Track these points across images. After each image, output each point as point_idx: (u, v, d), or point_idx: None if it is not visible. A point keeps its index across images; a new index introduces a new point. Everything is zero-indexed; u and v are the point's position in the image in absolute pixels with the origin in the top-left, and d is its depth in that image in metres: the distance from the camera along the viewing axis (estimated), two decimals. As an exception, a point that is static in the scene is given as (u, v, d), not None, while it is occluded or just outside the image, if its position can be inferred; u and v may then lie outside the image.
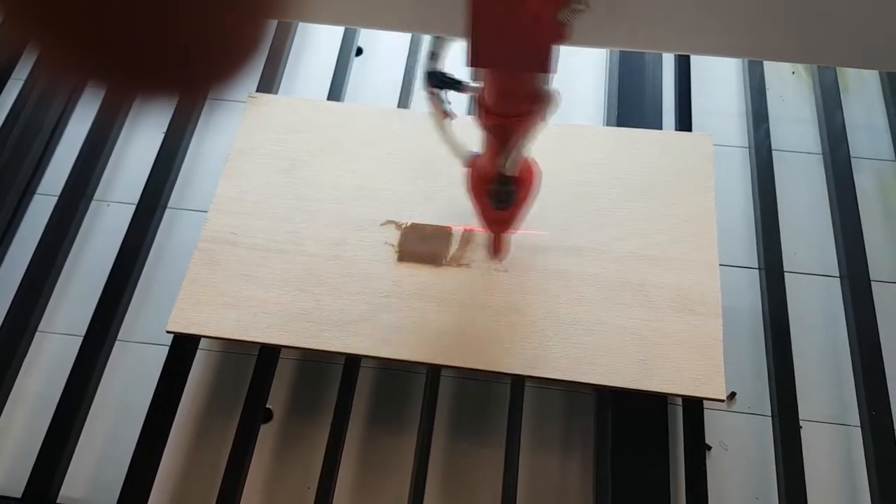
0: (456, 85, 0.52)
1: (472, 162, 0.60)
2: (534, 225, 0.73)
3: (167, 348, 0.74)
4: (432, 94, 0.54)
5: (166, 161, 0.87)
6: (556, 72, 0.45)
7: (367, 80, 0.99)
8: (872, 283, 0.78)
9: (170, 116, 0.90)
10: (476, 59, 0.43)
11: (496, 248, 0.69)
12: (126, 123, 0.94)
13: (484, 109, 0.51)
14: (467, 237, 0.73)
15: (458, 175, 0.76)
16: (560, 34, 0.41)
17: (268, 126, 0.80)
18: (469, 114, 0.84)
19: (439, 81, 0.52)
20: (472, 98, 0.52)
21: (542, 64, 0.43)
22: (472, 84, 0.52)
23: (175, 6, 0.22)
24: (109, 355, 0.77)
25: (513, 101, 0.50)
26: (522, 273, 0.71)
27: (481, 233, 0.73)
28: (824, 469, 0.73)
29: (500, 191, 0.57)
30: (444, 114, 0.55)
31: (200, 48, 0.23)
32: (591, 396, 0.77)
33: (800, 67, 0.99)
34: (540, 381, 0.73)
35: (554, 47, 0.43)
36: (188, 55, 0.23)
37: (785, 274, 0.79)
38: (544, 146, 0.78)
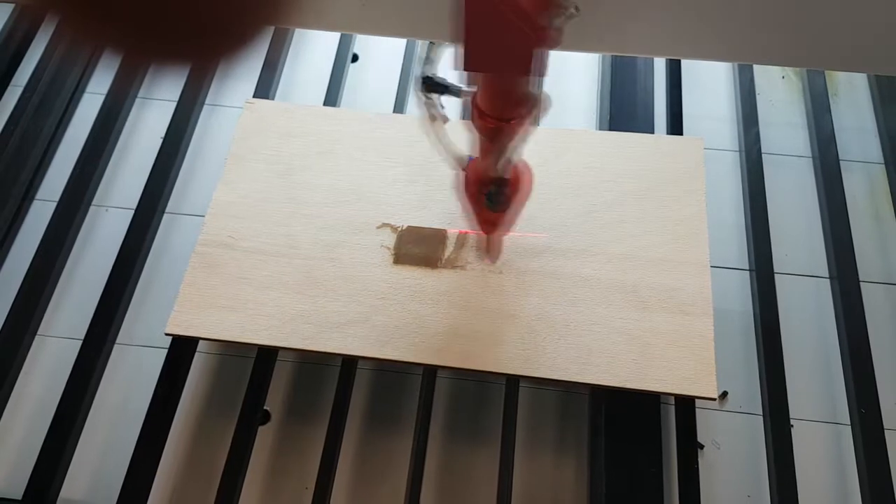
0: (449, 89, 0.53)
1: (465, 165, 0.61)
2: (528, 227, 0.74)
3: (166, 351, 0.75)
4: (426, 98, 0.54)
5: (164, 166, 0.88)
6: (546, 75, 0.46)
7: (362, 85, 1.00)
8: (861, 283, 0.79)
9: (170, 119, 0.91)
10: (468, 63, 0.44)
11: (490, 250, 0.70)
12: (124, 129, 0.95)
13: (477, 113, 0.52)
14: (462, 240, 0.74)
15: (451, 178, 0.78)
16: (550, 39, 0.43)
17: (264, 131, 0.81)
18: (462, 118, 0.86)
19: (433, 86, 0.53)
20: (465, 102, 0.53)
21: (533, 67, 0.44)
22: (466, 88, 0.53)
23: None
24: (108, 358, 0.78)
25: (505, 105, 0.51)
26: (517, 275, 0.72)
27: (478, 235, 0.74)
28: (815, 467, 0.74)
29: (495, 192, 0.58)
30: (437, 118, 0.55)
31: (214, 18, 0.24)
32: (585, 396, 0.78)
33: (790, 72, 1.01)
34: (534, 381, 0.74)
35: (544, 51, 0.44)
36: (202, 24, 0.24)
37: (775, 275, 0.80)
38: (539, 150, 0.79)
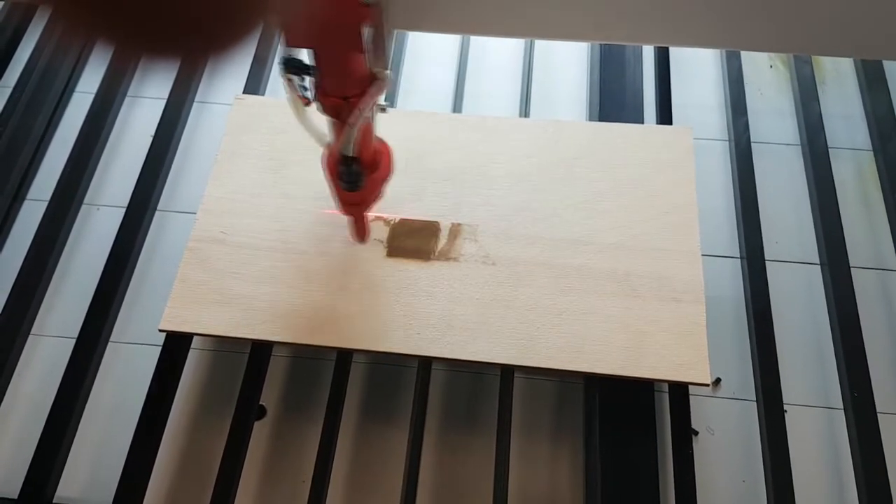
0: (309, 70, 0.53)
1: (327, 146, 0.62)
2: (522, 216, 0.75)
3: (159, 348, 0.75)
4: (289, 80, 0.55)
5: (155, 164, 0.88)
6: (367, 52, 0.47)
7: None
8: (852, 269, 0.80)
9: (160, 116, 0.91)
10: (290, 38, 0.46)
11: (355, 231, 0.71)
12: (114, 128, 0.95)
13: (320, 91, 0.53)
14: (455, 231, 0.74)
15: (444, 171, 0.78)
16: (364, 15, 0.43)
17: (255, 127, 0.81)
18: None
19: (295, 68, 0.53)
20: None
21: (352, 43, 0.45)
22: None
23: None
24: (102, 357, 0.78)
25: (342, 82, 0.52)
26: (509, 266, 0.73)
27: (471, 227, 0.74)
28: (809, 451, 0.75)
29: (347, 172, 0.59)
30: (302, 99, 0.56)
31: (206, 14, 0.24)
32: (580, 385, 0.78)
33: (777, 61, 1.01)
34: (529, 370, 0.75)
35: (360, 27, 0.45)
36: (194, 19, 0.24)
37: (766, 262, 0.81)
38: (530, 142, 0.79)
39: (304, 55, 0.52)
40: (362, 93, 0.52)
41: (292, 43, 0.47)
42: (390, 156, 0.65)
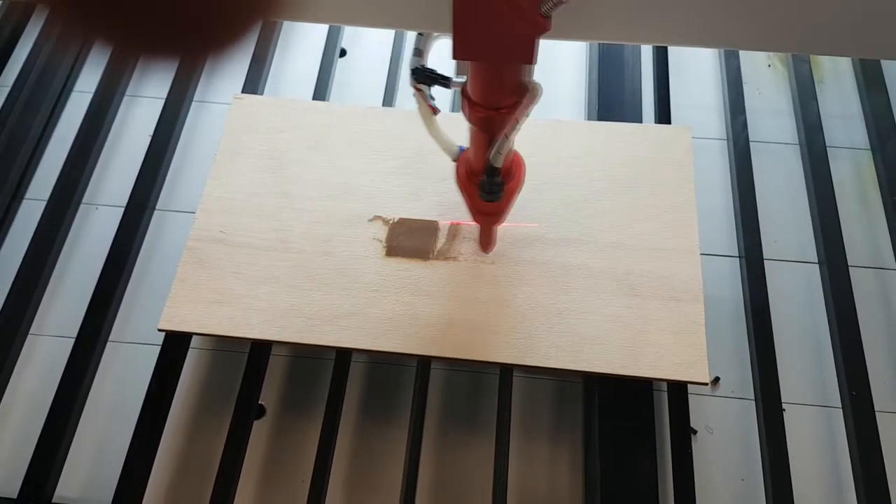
0: (441, 80, 0.53)
1: (460, 156, 0.61)
2: (520, 217, 0.75)
3: (159, 348, 0.75)
4: (418, 90, 0.54)
5: (153, 163, 0.88)
6: (535, 63, 0.46)
7: (350, 80, 1.00)
8: (850, 268, 0.80)
9: (159, 116, 0.91)
10: (460, 51, 0.44)
11: (486, 241, 0.71)
12: (113, 127, 0.95)
13: (470, 103, 0.52)
14: (454, 231, 0.74)
15: (443, 170, 0.78)
16: (542, 26, 0.43)
17: (254, 126, 0.81)
18: (453, 109, 0.86)
19: (425, 77, 0.53)
20: (456, 93, 0.53)
21: (525, 55, 0.44)
22: (457, 79, 0.53)
23: None
24: (101, 356, 0.78)
25: (497, 94, 0.51)
26: (509, 265, 0.73)
27: (470, 226, 0.74)
28: (807, 450, 0.75)
29: (490, 182, 0.58)
30: (430, 109, 0.56)
31: (205, 14, 0.24)
32: (579, 384, 0.78)
33: (775, 60, 1.01)
34: (528, 370, 0.75)
35: (534, 39, 0.44)
36: (193, 19, 0.24)
37: (765, 261, 0.81)
38: (529, 141, 0.79)
39: (437, 65, 0.52)
40: (517, 103, 0.51)
41: (467, 57, 0.45)
42: (523, 165, 0.63)
